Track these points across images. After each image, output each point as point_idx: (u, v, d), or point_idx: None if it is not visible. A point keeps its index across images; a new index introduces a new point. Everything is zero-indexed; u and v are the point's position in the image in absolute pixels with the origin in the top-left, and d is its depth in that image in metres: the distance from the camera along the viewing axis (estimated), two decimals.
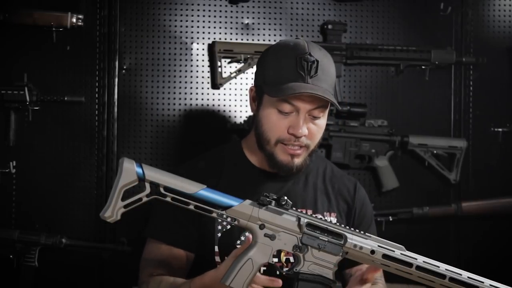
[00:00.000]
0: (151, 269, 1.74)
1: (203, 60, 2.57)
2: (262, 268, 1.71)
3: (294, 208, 1.45)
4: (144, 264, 1.78)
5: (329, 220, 1.76)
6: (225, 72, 2.54)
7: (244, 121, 2.55)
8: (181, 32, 2.56)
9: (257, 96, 1.76)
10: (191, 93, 2.56)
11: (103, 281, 2.50)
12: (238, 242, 1.72)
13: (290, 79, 1.66)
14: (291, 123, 1.69)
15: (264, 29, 2.60)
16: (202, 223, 1.73)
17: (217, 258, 1.73)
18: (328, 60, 1.73)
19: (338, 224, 1.47)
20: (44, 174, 2.48)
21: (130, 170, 1.35)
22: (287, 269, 1.47)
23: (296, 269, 1.43)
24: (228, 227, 1.73)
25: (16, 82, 2.42)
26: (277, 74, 1.69)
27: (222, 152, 1.87)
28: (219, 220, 1.71)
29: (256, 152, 1.78)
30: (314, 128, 1.72)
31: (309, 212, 1.78)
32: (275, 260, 1.69)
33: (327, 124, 2.48)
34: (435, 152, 2.64)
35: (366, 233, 1.47)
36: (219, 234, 1.73)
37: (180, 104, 2.55)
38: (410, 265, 1.45)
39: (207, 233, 1.73)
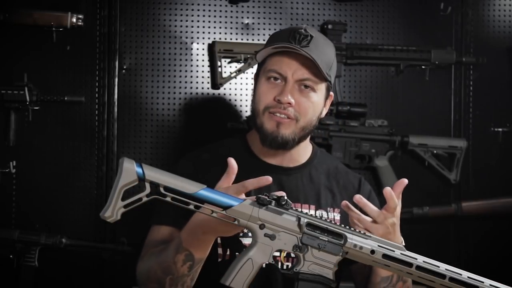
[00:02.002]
0: (149, 248, 1.74)
1: (203, 60, 2.57)
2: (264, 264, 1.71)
3: (294, 208, 1.45)
4: (143, 248, 1.77)
5: (332, 216, 1.76)
6: (225, 72, 2.54)
7: (244, 120, 2.55)
8: (181, 32, 2.56)
9: (256, 75, 1.82)
10: (191, 93, 2.56)
11: (103, 281, 2.50)
12: (241, 234, 1.72)
13: (279, 43, 1.72)
14: (278, 91, 1.72)
15: (264, 29, 2.60)
16: None
17: (220, 250, 1.74)
18: (325, 42, 1.76)
19: (338, 223, 1.47)
20: (44, 174, 2.48)
21: (130, 170, 1.34)
22: (287, 268, 1.47)
23: (296, 269, 1.43)
24: None
25: (16, 82, 2.42)
26: (270, 43, 1.76)
27: (226, 144, 1.89)
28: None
29: (258, 141, 1.80)
30: (304, 100, 1.73)
31: (312, 207, 1.79)
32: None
33: (327, 124, 2.54)
34: (435, 152, 2.64)
35: (366, 233, 1.47)
36: None
37: (180, 104, 2.55)
38: (410, 265, 1.45)
39: None
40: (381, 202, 2.65)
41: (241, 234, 1.72)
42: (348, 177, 1.91)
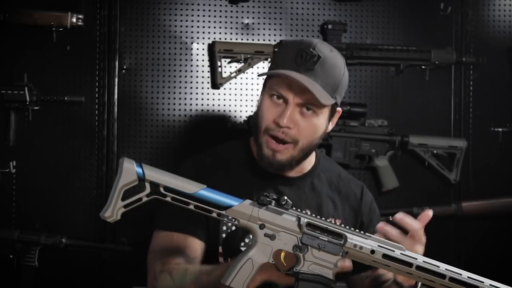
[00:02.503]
0: (167, 258, 1.67)
1: (203, 60, 2.57)
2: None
3: (294, 208, 1.45)
4: (155, 256, 1.71)
5: None
6: (225, 72, 2.54)
7: (244, 121, 2.55)
8: (181, 32, 2.56)
9: (263, 84, 1.76)
10: (191, 93, 2.56)
11: (103, 281, 2.50)
12: (242, 244, 1.71)
13: (284, 66, 1.67)
14: (279, 113, 1.68)
15: (264, 29, 2.60)
16: (209, 222, 1.71)
17: (221, 259, 1.72)
18: (335, 61, 1.71)
19: (338, 224, 1.47)
20: (44, 174, 2.48)
21: (130, 170, 1.34)
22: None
23: (296, 269, 1.43)
24: (233, 228, 1.71)
25: (16, 82, 2.42)
26: (276, 61, 1.72)
27: (229, 149, 1.85)
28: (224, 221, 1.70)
29: None
30: (304, 124, 1.68)
31: None
32: None
33: None
34: (435, 152, 2.64)
35: (366, 233, 1.47)
36: (224, 235, 1.72)
37: (180, 104, 2.55)
38: (410, 265, 1.44)
39: (213, 232, 1.72)
40: (381, 201, 2.67)
41: (242, 244, 1.71)
42: (351, 186, 1.87)
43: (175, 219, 1.70)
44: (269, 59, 2.49)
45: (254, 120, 1.76)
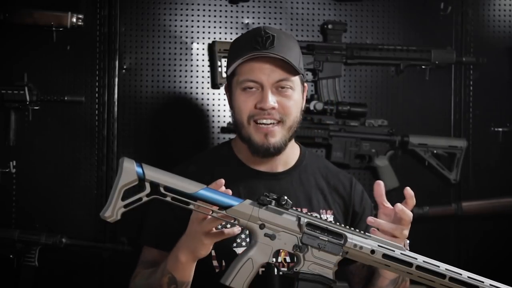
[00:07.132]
0: (140, 269, 1.76)
1: (203, 60, 2.57)
2: (261, 269, 1.70)
3: (294, 208, 1.45)
4: (136, 268, 1.80)
5: (325, 218, 1.77)
6: (225, 72, 2.54)
7: None
8: (181, 32, 2.56)
9: (228, 87, 1.79)
10: (191, 93, 2.56)
11: (103, 281, 2.50)
12: (234, 244, 1.71)
13: (245, 52, 1.70)
14: (258, 99, 1.70)
15: None
16: None
17: (215, 263, 1.73)
18: (287, 37, 1.75)
19: (338, 223, 1.47)
20: (44, 173, 2.48)
21: (130, 169, 1.34)
22: (287, 269, 1.47)
23: (296, 269, 1.43)
24: None
25: (16, 82, 2.42)
26: (235, 54, 1.74)
27: (212, 154, 1.88)
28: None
29: (245, 149, 1.79)
30: (285, 101, 1.72)
31: (304, 210, 1.78)
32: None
33: (327, 124, 2.54)
34: (435, 151, 2.64)
35: (366, 233, 1.47)
36: None
37: (180, 104, 2.55)
38: (410, 264, 1.45)
39: None
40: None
41: (234, 245, 1.71)
42: (339, 177, 1.89)
43: (155, 234, 1.79)
44: None
45: (233, 118, 1.78)
